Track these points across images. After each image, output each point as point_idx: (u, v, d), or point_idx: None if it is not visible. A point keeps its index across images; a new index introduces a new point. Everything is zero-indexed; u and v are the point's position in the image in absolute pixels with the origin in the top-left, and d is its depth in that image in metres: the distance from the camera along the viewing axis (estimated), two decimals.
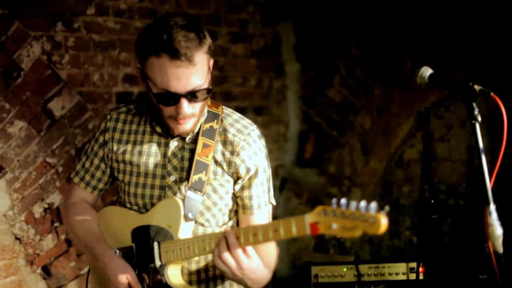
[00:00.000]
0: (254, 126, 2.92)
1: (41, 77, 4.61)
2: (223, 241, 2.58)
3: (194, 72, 2.63)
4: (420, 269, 4.38)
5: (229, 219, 2.92)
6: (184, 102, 2.65)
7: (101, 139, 2.98)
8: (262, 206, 2.89)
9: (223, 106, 2.95)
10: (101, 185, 3.05)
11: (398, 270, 4.51)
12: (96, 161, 3.00)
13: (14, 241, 4.51)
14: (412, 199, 5.46)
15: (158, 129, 2.86)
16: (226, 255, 2.55)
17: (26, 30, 4.51)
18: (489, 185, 2.42)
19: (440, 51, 4.96)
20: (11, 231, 4.49)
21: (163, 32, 2.61)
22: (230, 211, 2.90)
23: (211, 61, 2.76)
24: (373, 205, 2.20)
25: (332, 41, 5.80)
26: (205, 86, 2.68)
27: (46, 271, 4.67)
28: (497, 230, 2.37)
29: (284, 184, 5.98)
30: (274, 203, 3.00)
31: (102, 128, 2.98)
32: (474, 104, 2.46)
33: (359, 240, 5.64)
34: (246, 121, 2.93)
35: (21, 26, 4.48)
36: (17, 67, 4.48)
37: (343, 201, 2.27)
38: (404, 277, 4.51)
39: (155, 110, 2.78)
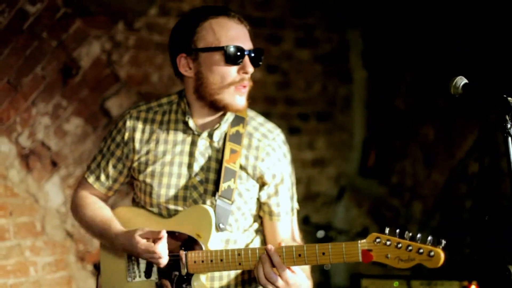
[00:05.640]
0: (279, 130, 2.88)
1: (99, 76, 4.65)
2: (267, 260, 2.53)
3: (249, 35, 2.77)
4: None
5: (250, 225, 2.86)
6: (249, 61, 2.71)
7: (118, 138, 2.91)
8: (289, 212, 2.87)
9: (248, 109, 2.91)
10: (116, 186, 2.99)
11: None
12: (113, 161, 2.93)
13: (65, 237, 4.55)
14: (474, 215, 5.25)
15: (191, 123, 2.80)
16: (273, 275, 2.52)
17: (87, 29, 4.56)
18: None
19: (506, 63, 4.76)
20: (63, 227, 4.54)
21: (204, 7, 2.81)
22: (253, 216, 2.85)
23: None
24: (430, 238, 2.28)
25: (399, 50, 5.66)
26: None
27: (97, 268, 4.69)
28: None
29: (342, 193, 5.87)
30: (298, 208, 2.96)
31: (119, 127, 2.92)
32: (507, 117, 2.32)
33: None
34: (270, 125, 2.90)
35: (82, 25, 4.54)
36: (76, 65, 4.54)
37: (397, 230, 2.34)
38: None
39: (200, 93, 2.75)
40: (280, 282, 2.52)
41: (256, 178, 2.78)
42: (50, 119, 4.46)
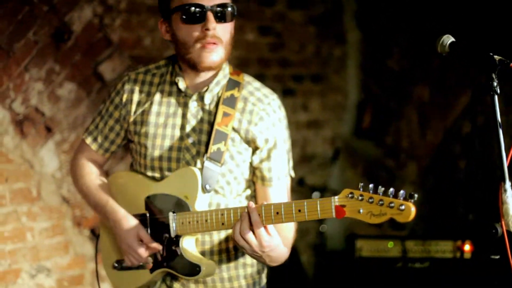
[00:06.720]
0: (275, 96, 2.87)
1: (92, 40, 4.63)
2: (246, 217, 2.55)
3: None
4: (468, 247, 4.26)
5: (243, 190, 2.88)
6: (211, 17, 2.67)
7: (117, 100, 2.94)
8: (281, 177, 2.85)
9: (244, 74, 2.91)
10: (113, 147, 3.02)
11: (445, 248, 4.38)
12: (110, 123, 2.96)
13: (61, 202, 4.57)
14: (468, 175, 5.28)
15: (181, 84, 2.82)
16: (248, 232, 2.54)
17: None
18: (505, 161, 2.30)
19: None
20: (59, 192, 4.56)
21: None
22: (246, 181, 2.86)
23: None
24: (402, 192, 2.27)
25: (393, 10, 5.64)
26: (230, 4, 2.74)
27: (94, 233, 4.72)
28: None
29: (337, 154, 5.88)
30: (293, 175, 2.97)
31: (118, 89, 2.95)
32: (494, 75, 2.33)
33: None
34: (266, 90, 2.88)
35: None
36: (68, 30, 4.52)
37: (370, 185, 2.33)
38: (450, 255, 4.37)
39: (180, 54, 2.78)
40: (253, 240, 2.54)
41: (248, 142, 2.79)
42: (43, 85, 4.45)
